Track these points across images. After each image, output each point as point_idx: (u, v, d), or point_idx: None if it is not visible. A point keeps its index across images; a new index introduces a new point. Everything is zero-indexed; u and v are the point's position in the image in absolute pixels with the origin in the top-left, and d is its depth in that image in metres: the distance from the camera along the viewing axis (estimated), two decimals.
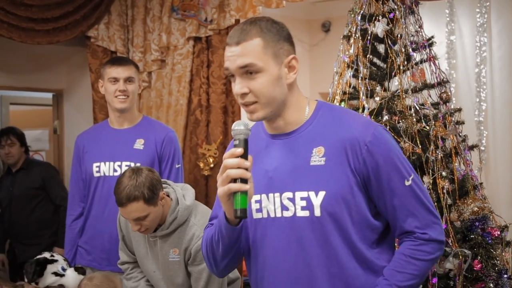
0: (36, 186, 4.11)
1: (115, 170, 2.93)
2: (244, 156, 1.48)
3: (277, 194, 1.60)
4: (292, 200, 1.57)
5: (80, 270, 2.81)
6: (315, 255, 1.56)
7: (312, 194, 1.55)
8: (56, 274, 2.75)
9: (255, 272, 1.67)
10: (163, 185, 2.52)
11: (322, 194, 1.54)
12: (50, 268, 2.75)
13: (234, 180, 1.47)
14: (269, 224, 1.61)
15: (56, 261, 2.78)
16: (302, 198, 1.56)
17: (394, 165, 1.56)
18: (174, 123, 4.12)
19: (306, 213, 1.56)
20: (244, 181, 1.48)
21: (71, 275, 2.75)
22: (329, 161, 1.56)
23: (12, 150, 4.12)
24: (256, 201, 1.63)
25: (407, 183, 1.57)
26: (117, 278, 2.73)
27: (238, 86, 1.55)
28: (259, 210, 1.62)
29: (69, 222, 3.10)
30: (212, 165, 3.98)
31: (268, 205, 1.61)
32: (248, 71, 1.53)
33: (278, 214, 1.59)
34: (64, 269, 2.76)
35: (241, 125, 1.50)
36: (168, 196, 2.51)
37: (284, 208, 1.58)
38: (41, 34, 3.92)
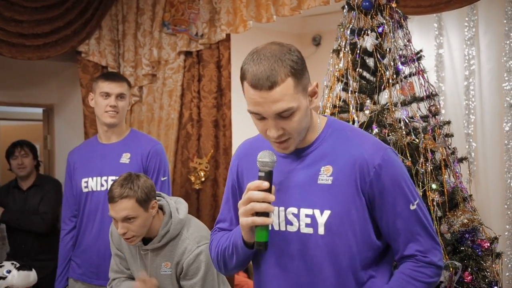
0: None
1: (102, 185, 2.95)
2: (269, 189, 1.51)
3: (281, 208, 1.61)
4: (297, 216, 1.59)
5: (23, 268, 2.87)
6: (316, 270, 1.58)
7: (317, 212, 1.57)
8: (1, 278, 2.83)
9: (258, 282, 1.69)
10: (157, 198, 2.52)
11: (327, 213, 1.56)
12: None
13: (257, 212, 1.50)
14: (272, 237, 1.61)
15: (1, 266, 2.87)
16: (307, 215, 1.57)
17: (401, 189, 1.58)
18: (165, 137, 4.13)
19: (310, 230, 1.57)
20: (267, 214, 1.51)
21: (14, 275, 2.84)
22: (336, 181, 1.57)
23: (25, 161, 4.01)
24: None
25: (412, 207, 1.58)
26: None
27: (273, 130, 1.52)
28: None
29: (61, 236, 3.13)
30: (203, 179, 3.98)
31: (272, 218, 1.61)
32: (284, 115, 1.51)
33: (282, 228, 1.61)
34: (9, 271, 2.85)
35: (267, 157, 1.52)
36: (161, 209, 2.50)
37: (288, 222, 1.60)
38: (31, 50, 3.92)
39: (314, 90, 1.58)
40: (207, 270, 2.42)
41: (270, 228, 1.58)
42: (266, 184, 1.50)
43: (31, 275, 2.90)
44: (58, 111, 4.67)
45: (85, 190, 2.98)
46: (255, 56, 1.51)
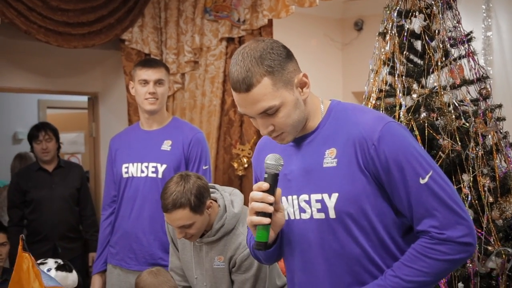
0: (78, 186, 4.12)
1: (142, 171, 2.96)
2: (271, 190, 1.53)
3: (294, 197, 1.62)
4: (308, 202, 1.59)
5: (62, 268, 2.70)
6: (335, 255, 1.57)
7: (326, 196, 1.56)
8: None
9: (287, 273, 1.71)
10: (211, 190, 2.45)
11: (335, 196, 1.55)
12: None
13: (258, 212, 1.53)
14: (289, 226, 1.64)
15: (44, 263, 2.70)
16: (317, 201, 1.58)
17: (407, 162, 1.51)
18: (207, 124, 4.14)
19: (322, 216, 1.57)
20: (267, 215, 1.53)
21: (51, 275, 2.60)
22: (341, 162, 1.56)
23: (50, 145, 4.05)
24: None
25: (422, 181, 1.50)
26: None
27: (262, 128, 1.56)
28: None
29: (101, 221, 3.17)
30: (246, 165, 3.98)
31: (288, 208, 1.64)
32: (269, 113, 1.53)
33: (297, 217, 1.62)
34: (49, 270, 2.66)
35: (273, 160, 1.55)
36: (215, 201, 2.44)
37: (301, 210, 1.61)
38: (77, 38, 3.98)
39: (302, 81, 1.57)
40: (260, 267, 2.37)
41: (285, 221, 1.62)
42: (266, 185, 1.52)
43: (69, 278, 2.71)
44: (103, 98, 4.74)
45: (125, 175, 3.00)
46: (234, 57, 1.54)
